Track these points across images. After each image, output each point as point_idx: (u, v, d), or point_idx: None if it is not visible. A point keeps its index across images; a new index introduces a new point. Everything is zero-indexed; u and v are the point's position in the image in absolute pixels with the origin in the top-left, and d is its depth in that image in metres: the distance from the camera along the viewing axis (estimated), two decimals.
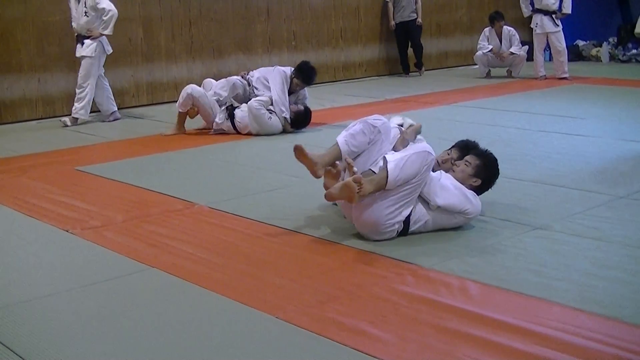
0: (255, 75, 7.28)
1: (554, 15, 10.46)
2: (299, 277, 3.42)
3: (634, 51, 12.68)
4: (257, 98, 6.99)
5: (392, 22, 11.57)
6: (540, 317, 2.90)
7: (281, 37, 10.63)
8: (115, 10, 7.74)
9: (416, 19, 11.55)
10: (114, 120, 8.15)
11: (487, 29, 11.33)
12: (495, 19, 11.21)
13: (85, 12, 7.71)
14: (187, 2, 9.59)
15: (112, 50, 8.03)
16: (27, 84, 8.30)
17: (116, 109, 8.24)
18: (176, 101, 9.24)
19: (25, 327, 2.98)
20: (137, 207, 4.70)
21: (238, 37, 10.13)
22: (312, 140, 6.47)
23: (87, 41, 7.78)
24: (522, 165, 5.41)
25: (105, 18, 7.69)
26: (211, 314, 3.07)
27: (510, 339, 2.73)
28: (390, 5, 11.55)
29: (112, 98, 8.21)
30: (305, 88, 7.31)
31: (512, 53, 11.09)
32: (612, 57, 12.95)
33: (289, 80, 7.07)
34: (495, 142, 5.98)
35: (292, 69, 7.19)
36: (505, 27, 11.21)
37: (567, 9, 10.48)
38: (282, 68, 7.23)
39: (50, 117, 8.39)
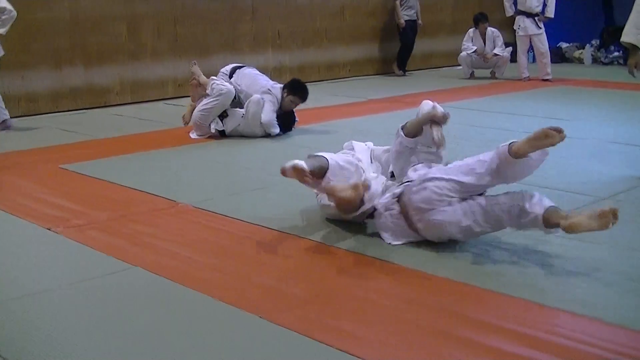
0: (242, 86, 7.02)
1: (536, 18, 10.53)
2: (283, 277, 3.42)
3: (616, 54, 12.77)
4: (264, 95, 6.83)
5: (402, 20, 11.57)
6: (532, 320, 2.90)
7: (266, 36, 10.62)
8: (15, 12, 7.34)
9: (417, 19, 11.68)
10: (4, 129, 7.50)
11: (471, 30, 11.40)
12: (480, 21, 11.29)
13: None
14: (172, 0, 9.56)
15: (4, 53, 7.51)
16: (11, 81, 8.23)
17: (8, 117, 7.60)
18: (161, 99, 9.33)
19: (5, 327, 2.96)
20: (121, 205, 4.68)
21: (224, 35, 10.11)
22: (300, 141, 6.47)
23: None
24: None
25: (4, 17, 7.26)
26: (195, 313, 3.06)
27: (501, 342, 2.72)
28: (398, 2, 11.56)
29: (3, 106, 7.61)
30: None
31: (495, 54, 11.17)
32: (595, 60, 13.06)
33: (279, 99, 6.89)
34: (481, 143, 6.00)
35: (281, 87, 6.97)
36: (489, 28, 11.29)
37: (550, 13, 10.55)
38: (269, 86, 6.95)
39: (33, 115, 8.35)
